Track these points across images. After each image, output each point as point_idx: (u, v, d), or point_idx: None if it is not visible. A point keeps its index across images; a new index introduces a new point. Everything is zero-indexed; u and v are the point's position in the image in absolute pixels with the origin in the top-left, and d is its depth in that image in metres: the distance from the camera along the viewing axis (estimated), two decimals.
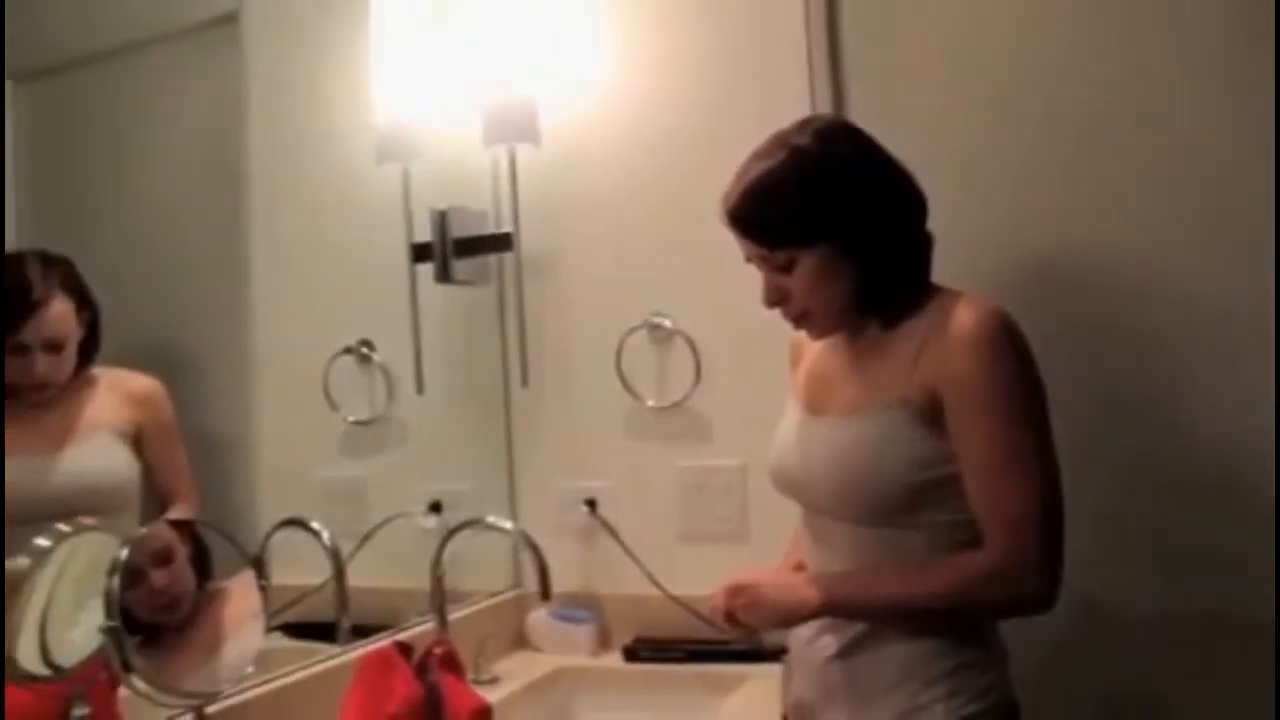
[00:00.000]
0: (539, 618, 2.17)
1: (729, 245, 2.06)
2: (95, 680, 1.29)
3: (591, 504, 2.19)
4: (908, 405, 1.38)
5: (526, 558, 2.19)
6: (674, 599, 2.07)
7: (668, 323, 2.13)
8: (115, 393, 1.54)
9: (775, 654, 1.97)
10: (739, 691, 1.87)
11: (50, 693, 1.25)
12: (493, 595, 2.18)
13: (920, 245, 1.48)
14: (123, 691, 1.32)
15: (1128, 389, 1.83)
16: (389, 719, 1.17)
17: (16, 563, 1.23)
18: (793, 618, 1.45)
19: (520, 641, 2.19)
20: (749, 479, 2.09)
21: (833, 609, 1.41)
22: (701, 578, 2.06)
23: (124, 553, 1.26)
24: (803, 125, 1.48)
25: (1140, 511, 1.82)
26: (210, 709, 1.34)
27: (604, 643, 2.15)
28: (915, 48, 2.01)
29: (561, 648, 2.13)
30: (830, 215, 1.42)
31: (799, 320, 1.51)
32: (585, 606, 2.15)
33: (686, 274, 2.13)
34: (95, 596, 1.26)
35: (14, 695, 1.23)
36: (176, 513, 1.54)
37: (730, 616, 1.47)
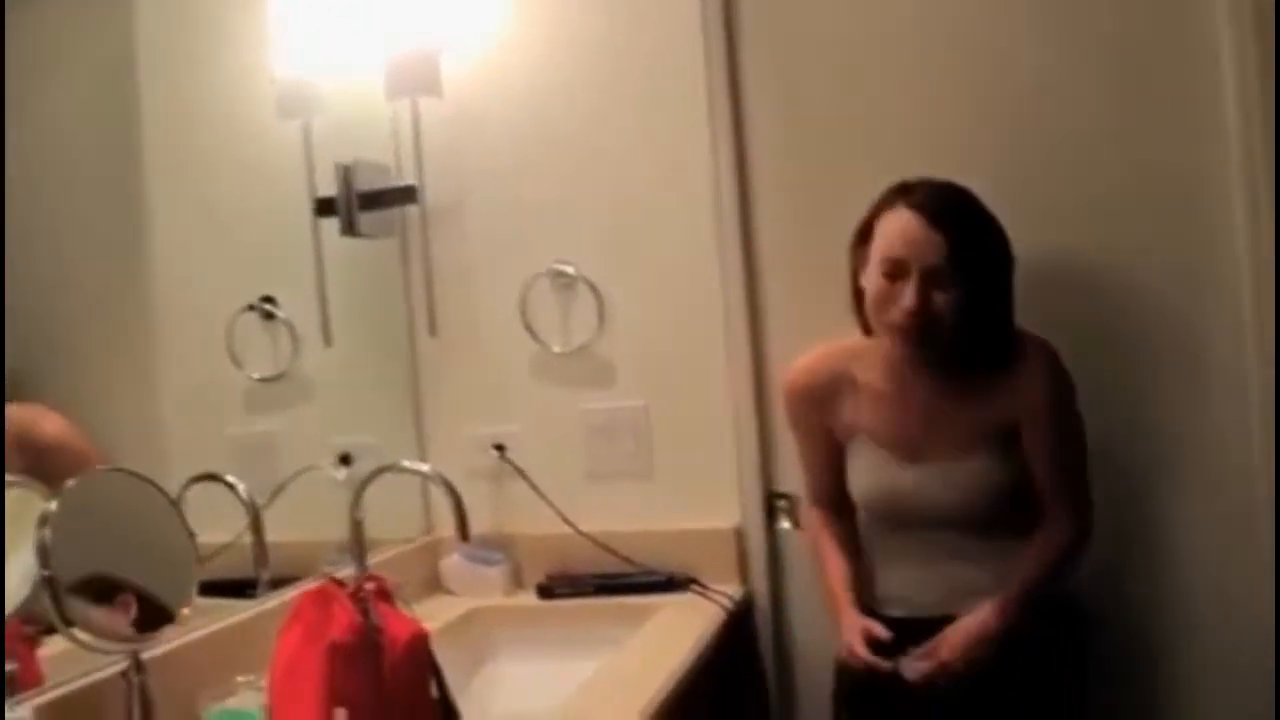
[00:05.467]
0: (453, 561, 2.23)
1: (629, 194, 2.16)
2: (19, 635, 1.32)
3: (500, 448, 2.24)
4: (1002, 435, 1.76)
5: (438, 503, 2.25)
6: (585, 535, 2.14)
7: (570, 269, 2.19)
8: (23, 449, 1.47)
9: (683, 583, 2.07)
10: (650, 621, 1.95)
11: None
12: (407, 541, 2.22)
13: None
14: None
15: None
16: (334, 645, 1.21)
17: None
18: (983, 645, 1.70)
19: (435, 586, 2.24)
20: (652, 418, 2.18)
21: (1007, 623, 1.70)
22: (610, 514, 2.16)
23: (54, 504, 1.27)
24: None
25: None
26: (145, 655, 1.36)
27: (517, 582, 2.22)
28: (812, 14, 2.10)
29: (476, 589, 2.19)
30: (1000, 249, 1.73)
31: (923, 330, 1.69)
32: (498, 548, 2.21)
33: (588, 222, 2.20)
34: (19, 550, 1.28)
35: None
36: None
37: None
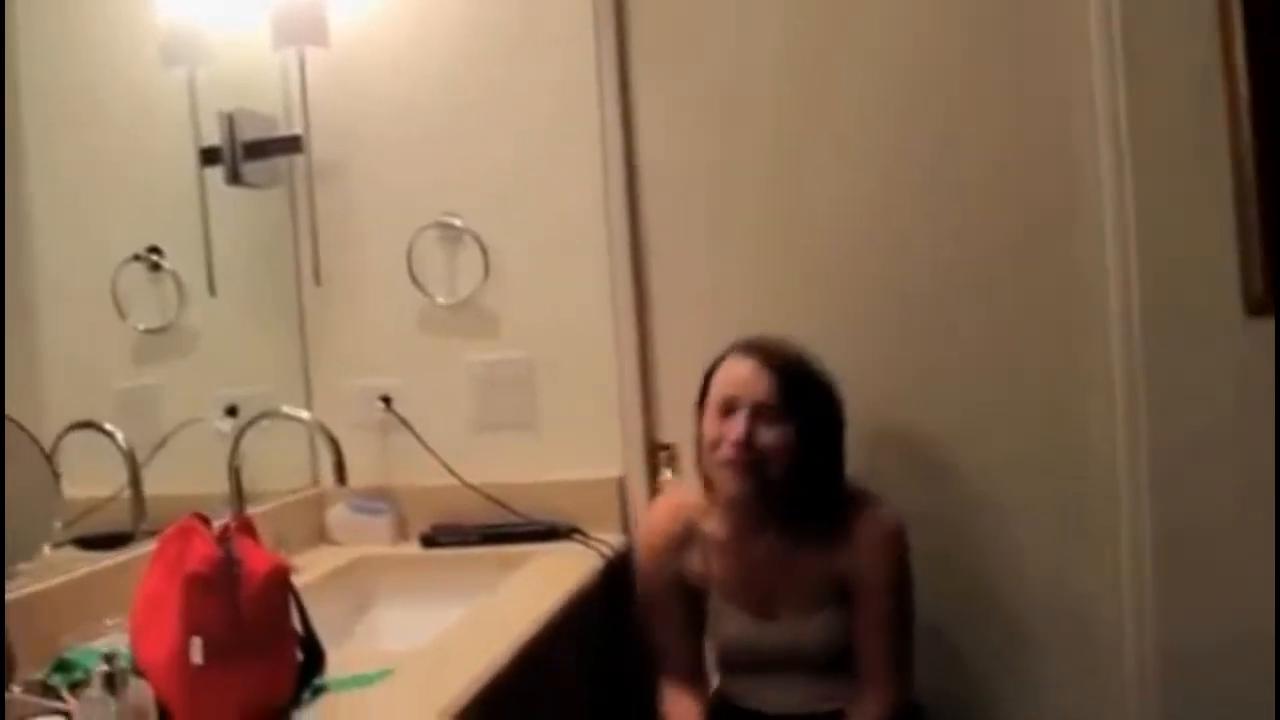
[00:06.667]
0: (338, 512, 2.24)
1: (517, 147, 2.18)
2: None
3: (387, 400, 2.26)
4: (841, 594, 1.83)
5: (323, 454, 2.25)
6: (469, 486, 2.17)
7: (457, 222, 2.21)
8: None
9: (565, 533, 2.11)
10: (524, 568, 1.99)
11: None
12: (292, 492, 2.23)
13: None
14: None
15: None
16: (190, 576, 1.22)
17: None
18: None
19: (321, 537, 2.26)
20: (535, 370, 2.22)
21: None
22: (495, 465, 2.18)
23: None
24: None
25: None
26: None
27: (403, 533, 2.24)
28: None
29: (361, 539, 2.21)
30: (831, 405, 1.82)
31: (753, 466, 1.76)
32: (383, 499, 2.23)
33: (475, 174, 2.21)
34: None
35: None
36: None
37: None
